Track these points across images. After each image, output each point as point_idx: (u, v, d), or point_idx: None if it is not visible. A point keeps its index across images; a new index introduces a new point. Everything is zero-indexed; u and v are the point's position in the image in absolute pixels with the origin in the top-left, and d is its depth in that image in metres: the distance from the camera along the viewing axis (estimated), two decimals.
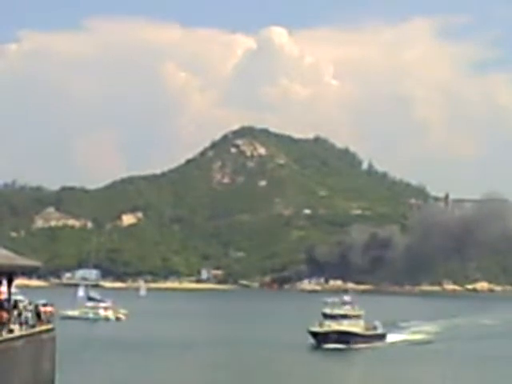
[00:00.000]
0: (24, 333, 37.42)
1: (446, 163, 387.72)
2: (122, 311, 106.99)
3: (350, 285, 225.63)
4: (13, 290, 41.32)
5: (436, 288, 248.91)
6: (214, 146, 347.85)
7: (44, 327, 40.23)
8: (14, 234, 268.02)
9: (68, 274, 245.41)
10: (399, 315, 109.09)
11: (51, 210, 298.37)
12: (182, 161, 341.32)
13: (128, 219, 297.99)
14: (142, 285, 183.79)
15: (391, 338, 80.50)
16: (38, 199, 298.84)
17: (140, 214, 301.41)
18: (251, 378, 57.80)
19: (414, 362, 67.09)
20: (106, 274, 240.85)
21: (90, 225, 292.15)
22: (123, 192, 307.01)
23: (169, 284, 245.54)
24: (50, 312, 43.51)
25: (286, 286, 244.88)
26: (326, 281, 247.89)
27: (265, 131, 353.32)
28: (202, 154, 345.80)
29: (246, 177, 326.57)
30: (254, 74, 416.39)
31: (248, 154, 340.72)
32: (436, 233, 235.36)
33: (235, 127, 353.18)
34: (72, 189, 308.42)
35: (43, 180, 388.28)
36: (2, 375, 33.96)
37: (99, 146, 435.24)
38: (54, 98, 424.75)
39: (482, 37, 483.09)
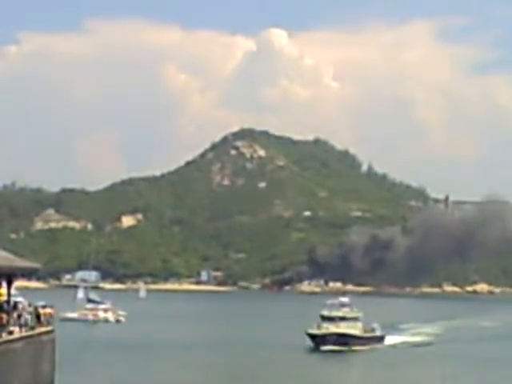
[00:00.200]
0: (24, 334, 37.48)
1: (446, 165, 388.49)
2: (122, 313, 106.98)
3: (350, 287, 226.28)
4: (12, 291, 41.38)
5: (436, 290, 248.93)
6: (213, 147, 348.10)
7: (44, 329, 40.30)
8: (13, 236, 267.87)
9: (68, 276, 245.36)
10: (398, 317, 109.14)
11: (51, 211, 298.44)
12: (182, 162, 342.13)
13: (128, 221, 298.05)
14: (141, 286, 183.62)
15: (390, 340, 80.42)
16: (38, 201, 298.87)
17: (140, 216, 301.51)
18: (249, 380, 57.81)
19: (412, 364, 67.05)
20: (105, 275, 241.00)
21: (89, 226, 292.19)
22: (123, 193, 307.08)
23: (169, 285, 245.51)
24: (50, 314, 43.56)
25: (287, 288, 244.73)
26: (326, 283, 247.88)
27: (265, 133, 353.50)
28: (202, 155, 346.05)
29: (245, 178, 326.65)
30: (253, 75, 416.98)
31: (248, 155, 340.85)
32: (437, 235, 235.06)
33: (235, 129, 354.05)
34: (72, 190, 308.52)
35: (43, 181, 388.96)
36: (1, 377, 34.02)
37: (99, 147, 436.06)
38: (54, 99, 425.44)
39: (482, 38, 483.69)
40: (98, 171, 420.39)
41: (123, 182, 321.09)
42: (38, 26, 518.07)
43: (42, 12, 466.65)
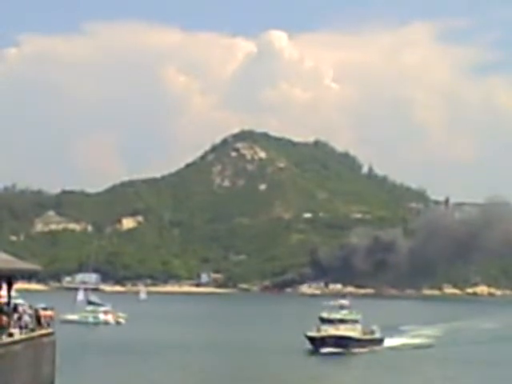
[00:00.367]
0: (24, 337, 37.48)
1: (447, 166, 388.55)
2: (122, 315, 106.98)
3: (350, 289, 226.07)
4: (13, 293, 41.43)
5: (436, 292, 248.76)
6: (214, 149, 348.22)
7: (44, 331, 40.30)
8: (13, 238, 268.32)
9: (68, 278, 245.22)
10: (398, 319, 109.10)
11: (51, 213, 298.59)
12: (182, 164, 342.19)
13: (128, 223, 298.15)
14: (142, 288, 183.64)
15: (389, 342, 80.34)
16: (38, 203, 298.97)
17: (140, 218, 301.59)
18: (248, 383, 57.83)
19: (412, 367, 66.99)
20: (105, 277, 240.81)
21: (90, 228, 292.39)
22: (123, 196, 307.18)
23: (168, 288, 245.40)
24: (50, 316, 43.62)
25: (288, 290, 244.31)
26: (326, 285, 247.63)
27: (265, 135, 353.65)
28: (202, 157, 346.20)
29: (246, 180, 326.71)
30: (254, 77, 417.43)
31: (248, 157, 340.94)
32: (439, 236, 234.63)
33: (235, 131, 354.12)
34: (72, 192, 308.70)
35: (43, 183, 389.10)
36: (1, 379, 34.02)
37: (99, 149, 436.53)
38: (54, 101, 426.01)
39: (482, 39, 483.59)
40: (98, 173, 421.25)
41: (123, 184, 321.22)
42: (38, 28, 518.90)
43: (42, 14, 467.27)
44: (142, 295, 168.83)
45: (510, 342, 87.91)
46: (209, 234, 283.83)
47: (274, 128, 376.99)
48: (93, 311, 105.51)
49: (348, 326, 75.12)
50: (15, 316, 38.86)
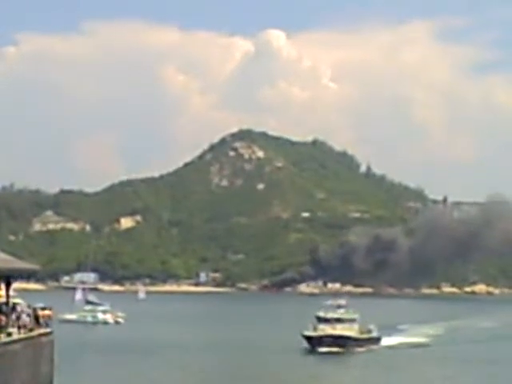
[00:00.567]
0: (22, 336, 37.48)
1: (446, 165, 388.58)
2: (121, 314, 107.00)
3: (349, 288, 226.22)
4: (11, 293, 41.39)
5: (434, 291, 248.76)
6: (212, 148, 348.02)
7: (42, 331, 40.29)
8: (12, 238, 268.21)
9: (66, 278, 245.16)
10: (396, 318, 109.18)
11: (49, 213, 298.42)
12: (181, 164, 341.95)
13: (126, 222, 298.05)
14: (140, 288, 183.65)
15: (386, 341, 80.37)
16: (37, 202, 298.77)
17: (138, 217, 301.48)
18: (246, 382, 57.89)
19: (410, 366, 67.05)
20: (104, 277, 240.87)
21: (88, 228, 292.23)
22: (121, 195, 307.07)
23: (167, 287, 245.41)
24: (49, 315, 43.58)
25: (288, 289, 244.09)
26: (325, 284, 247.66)
27: (263, 134, 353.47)
28: (201, 156, 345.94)
29: (244, 180, 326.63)
30: (252, 76, 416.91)
31: (246, 156, 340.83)
32: (440, 236, 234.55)
33: (233, 130, 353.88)
34: (70, 192, 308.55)
35: (41, 183, 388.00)
36: (1, 378, 34.04)
37: (98, 148, 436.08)
38: (52, 100, 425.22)
39: (482, 38, 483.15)
40: (96, 172, 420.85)
41: (122, 184, 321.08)
42: (36, 27, 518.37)
43: (40, 13, 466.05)
44: (141, 295, 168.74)
45: (509, 340, 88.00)
46: (207, 234, 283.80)
47: (272, 127, 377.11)
48: (91, 311, 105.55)
49: (345, 325, 75.12)
50: (14, 315, 38.85)
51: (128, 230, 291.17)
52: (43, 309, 43.87)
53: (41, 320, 41.16)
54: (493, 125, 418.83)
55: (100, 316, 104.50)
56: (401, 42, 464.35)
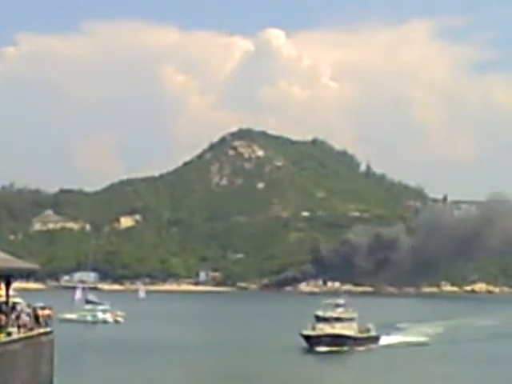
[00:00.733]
0: (22, 336, 37.51)
1: (445, 165, 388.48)
2: (120, 314, 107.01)
3: (349, 287, 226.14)
4: (11, 292, 41.44)
5: (434, 289, 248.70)
6: (212, 148, 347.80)
7: (42, 330, 40.32)
8: (12, 237, 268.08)
9: (66, 277, 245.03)
10: (396, 317, 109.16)
11: (49, 212, 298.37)
12: (180, 163, 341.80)
13: (126, 221, 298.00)
14: (140, 287, 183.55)
15: (385, 340, 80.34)
16: (36, 202, 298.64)
17: (138, 217, 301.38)
18: (244, 381, 57.92)
19: (409, 365, 67.04)
20: (104, 276, 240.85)
21: (88, 227, 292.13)
22: (121, 194, 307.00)
23: (167, 286, 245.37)
24: (48, 315, 43.64)
25: (288, 288, 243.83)
26: (325, 283, 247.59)
27: (263, 133, 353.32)
28: (200, 156, 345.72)
29: (244, 179, 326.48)
30: (252, 76, 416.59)
31: (246, 155, 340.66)
32: (441, 235, 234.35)
33: (233, 129, 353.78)
34: (70, 191, 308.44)
35: (41, 182, 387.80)
36: (1, 378, 34.07)
37: (98, 148, 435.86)
38: (52, 100, 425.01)
39: (481, 38, 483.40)
40: (96, 172, 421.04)
41: (121, 183, 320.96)
42: (35, 27, 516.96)
43: (40, 13, 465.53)
44: (141, 294, 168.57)
45: (509, 339, 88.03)
46: (207, 233, 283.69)
47: (272, 126, 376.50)
48: (91, 310, 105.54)
49: (344, 324, 75.09)
50: (13, 315, 38.88)
51: (128, 230, 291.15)
52: (43, 308, 43.99)
53: (41, 319, 41.21)
54: (492, 124, 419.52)
55: (100, 315, 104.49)
56: (400, 41, 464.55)
